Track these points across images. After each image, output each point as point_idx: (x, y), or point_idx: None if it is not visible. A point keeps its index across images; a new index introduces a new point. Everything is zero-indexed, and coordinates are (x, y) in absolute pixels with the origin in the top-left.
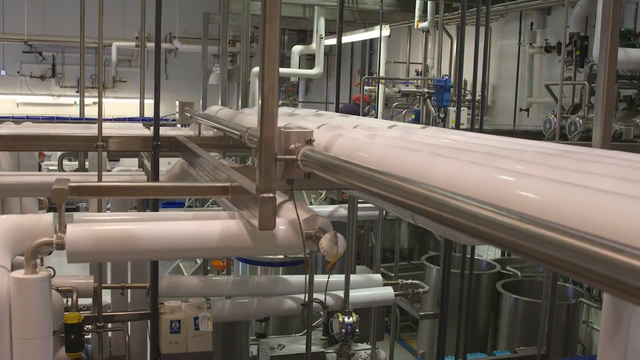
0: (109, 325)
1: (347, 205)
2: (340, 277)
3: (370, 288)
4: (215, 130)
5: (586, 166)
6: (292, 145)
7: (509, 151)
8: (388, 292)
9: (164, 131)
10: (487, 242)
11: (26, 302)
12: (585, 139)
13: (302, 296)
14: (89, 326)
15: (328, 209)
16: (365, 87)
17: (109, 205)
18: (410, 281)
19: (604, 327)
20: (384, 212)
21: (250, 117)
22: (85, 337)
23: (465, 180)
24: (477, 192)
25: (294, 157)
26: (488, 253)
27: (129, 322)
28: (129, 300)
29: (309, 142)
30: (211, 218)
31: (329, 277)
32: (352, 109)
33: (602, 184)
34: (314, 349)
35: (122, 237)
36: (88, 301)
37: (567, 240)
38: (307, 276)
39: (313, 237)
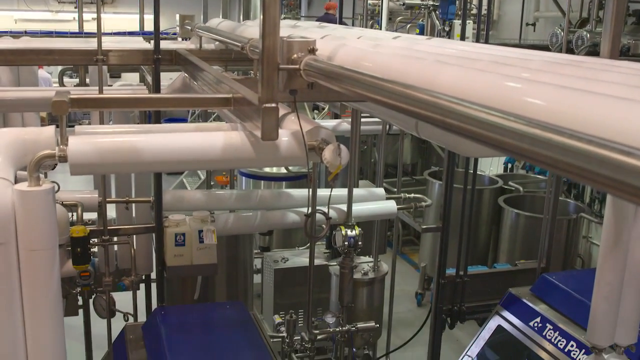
0: (115, 238)
1: (350, 119)
2: (343, 191)
3: (373, 202)
4: (216, 43)
5: (595, 74)
6: (295, 55)
7: (516, 60)
8: (391, 205)
9: (164, 44)
10: (493, 147)
11: (31, 214)
12: (592, 54)
13: (305, 209)
14: (95, 240)
15: (331, 123)
16: (369, 1)
17: (111, 122)
18: (412, 195)
19: (604, 240)
20: (387, 126)
21: (251, 29)
22: (92, 250)
23: (471, 87)
24: (483, 99)
25: (297, 66)
26: (490, 169)
27: (134, 236)
28: (133, 215)
29: (312, 51)
30: (214, 130)
31: (331, 190)
32: (328, 19)
33: (611, 90)
34: (317, 262)
35: (125, 149)
36: (93, 216)
37: (574, 143)
38: (310, 189)
39: (316, 149)
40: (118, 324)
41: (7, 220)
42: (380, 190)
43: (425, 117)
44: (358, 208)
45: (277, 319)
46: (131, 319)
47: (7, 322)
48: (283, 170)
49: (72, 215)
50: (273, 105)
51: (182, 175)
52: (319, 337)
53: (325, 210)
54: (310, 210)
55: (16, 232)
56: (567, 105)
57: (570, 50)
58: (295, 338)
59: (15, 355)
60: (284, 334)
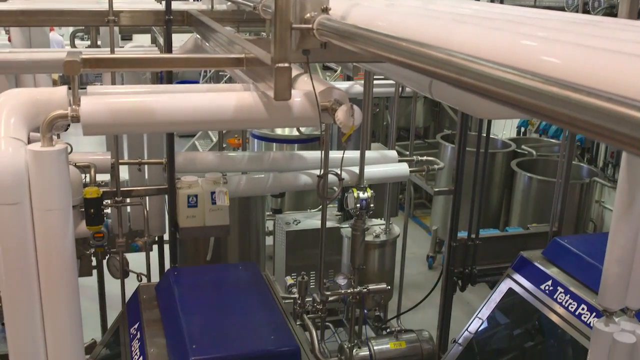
0: (127, 200)
1: (362, 81)
2: (356, 153)
3: (386, 164)
4: (228, 3)
5: (613, 33)
6: (308, 14)
7: (533, 19)
8: (403, 168)
9: (176, 5)
10: (509, 106)
11: (44, 174)
12: (609, 16)
13: (317, 172)
14: (108, 201)
15: (343, 85)
16: None
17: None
18: (425, 158)
19: (617, 203)
20: (400, 88)
21: None
22: (105, 211)
23: (486, 45)
24: (498, 57)
25: (310, 26)
26: (503, 132)
27: (147, 197)
28: (146, 177)
29: (325, 10)
30: (226, 90)
31: (344, 151)
32: None
33: (630, 49)
34: (328, 224)
35: (137, 109)
36: (106, 177)
37: (592, 101)
38: (322, 151)
39: (329, 109)
40: (131, 285)
41: (20, 180)
42: (393, 153)
43: (441, 76)
44: (370, 170)
45: (289, 280)
46: (144, 280)
47: (23, 283)
48: (295, 132)
49: (85, 176)
50: (286, 65)
51: (194, 138)
52: (330, 298)
53: (338, 171)
54: (322, 172)
55: (30, 192)
56: (585, 62)
57: (586, 12)
58: (306, 299)
59: (32, 314)
60: (296, 295)
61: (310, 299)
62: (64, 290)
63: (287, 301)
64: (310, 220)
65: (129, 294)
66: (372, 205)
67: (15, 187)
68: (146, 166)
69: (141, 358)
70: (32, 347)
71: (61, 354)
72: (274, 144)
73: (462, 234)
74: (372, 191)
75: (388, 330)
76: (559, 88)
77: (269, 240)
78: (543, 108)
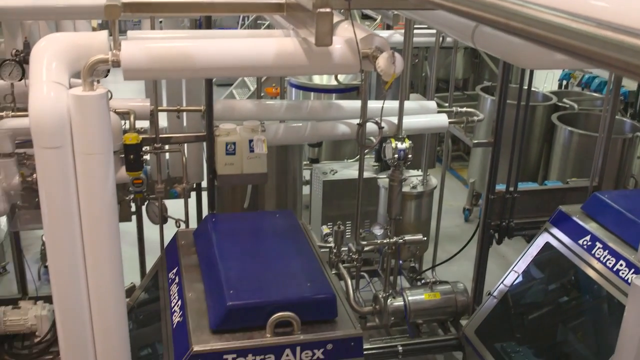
0: (166, 147)
1: (402, 30)
2: (394, 103)
3: (424, 115)
4: None
5: None
6: None
7: None
8: (442, 119)
9: None
10: (560, 51)
11: (86, 118)
12: None
13: (355, 121)
14: (147, 147)
15: (383, 34)
16: None
17: None
18: (465, 109)
19: None
20: (441, 38)
21: None
22: (144, 158)
23: None
24: (548, 1)
25: None
26: (545, 85)
27: (185, 145)
28: (184, 124)
29: None
30: (266, 36)
31: (384, 100)
32: None
33: None
34: (365, 174)
35: (177, 54)
36: (145, 124)
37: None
38: (361, 100)
39: (370, 57)
40: (169, 231)
41: (62, 124)
42: (432, 104)
43: (488, 21)
44: (409, 121)
45: (325, 229)
46: (183, 226)
47: (65, 226)
48: (333, 82)
49: (125, 123)
50: (327, 10)
51: (232, 87)
52: (366, 248)
53: (378, 120)
54: (362, 120)
55: (72, 136)
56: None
57: None
58: (342, 249)
59: (74, 257)
60: (332, 245)
61: (346, 248)
62: (105, 233)
63: (322, 250)
64: (347, 170)
65: (167, 239)
66: (410, 156)
67: (58, 131)
68: (185, 113)
69: (179, 302)
70: (75, 289)
71: (103, 295)
72: (312, 93)
73: (500, 187)
74: (410, 142)
75: (423, 281)
76: (613, 32)
77: (305, 190)
78: (597, 53)
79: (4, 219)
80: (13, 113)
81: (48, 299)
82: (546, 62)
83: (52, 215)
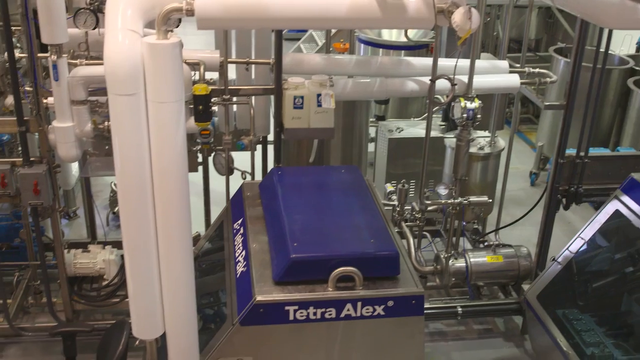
0: (234, 99)
1: None
2: (465, 62)
3: (496, 75)
4: None
5: None
6: None
7: None
8: (514, 79)
9: None
10: None
11: (159, 66)
12: None
13: (425, 79)
14: (216, 99)
15: None
16: None
17: None
18: (537, 70)
19: None
20: None
21: None
22: (212, 109)
23: None
24: None
25: None
26: (621, 48)
27: (253, 97)
28: (252, 77)
29: None
30: None
31: (458, 56)
32: None
33: None
34: (432, 133)
35: (251, 4)
36: (214, 75)
37: None
38: (433, 57)
39: (445, 11)
40: (234, 182)
41: (136, 72)
42: (504, 63)
43: None
44: (479, 80)
45: (389, 187)
46: (248, 178)
47: (136, 172)
48: (402, 38)
49: (195, 73)
50: None
51: (300, 41)
52: (429, 208)
53: (451, 77)
54: (434, 76)
55: (145, 84)
56: None
57: None
58: (405, 207)
59: (144, 202)
60: (395, 203)
61: (409, 207)
62: (174, 180)
63: (386, 208)
64: (413, 129)
65: (232, 191)
66: (478, 116)
67: (131, 78)
68: (253, 66)
69: (244, 252)
70: (144, 234)
71: (171, 242)
72: (380, 49)
73: (571, 151)
74: (479, 102)
75: (485, 244)
76: None
77: (370, 147)
78: None
79: (75, 165)
80: (87, 61)
81: (116, 244)
82: (629, 22)
83: (124, 162)
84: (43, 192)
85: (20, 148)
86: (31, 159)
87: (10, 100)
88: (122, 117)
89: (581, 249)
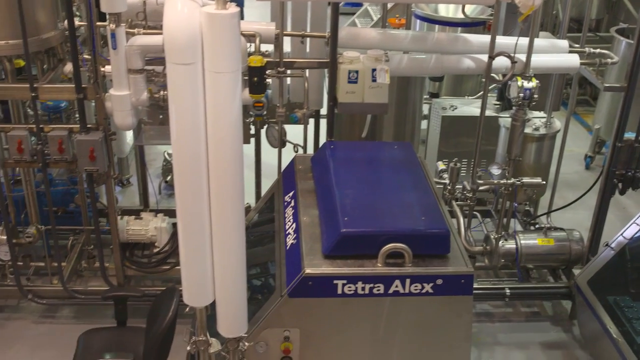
0: (289, 71)
1: None
2: (523, 40)
3: (554, 54)
4: None
5: None
6: None
7: None
8: (573, 59)
9: None
10: None
11: (217, 36)
12: None
13: (481, 56)
14: (271, 71)
15: None
16: None
17: None
18: (598, 50)
19: None
20: None
21: None
22: (267, 81)
23: None
24: None
25: None
26: None
27: (307, 70)
28: (307, 50)
29: None
30: None
31: (520, 33)
32: None
33: None
34: (486, 112)
35: None
36: (269, 48)
37: None
38: (491, 33)
39: None
40: (286, 155)
41: (195, 41)
42: (564, 42)
43: None
44: (538, 59)
45: (441, 165)
46: (300, 151)
47: (191, 142)
48: (459, 15)
49: (250, 45)
50: None
51: (355, 16)
52: (481, 187)
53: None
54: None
55: (202, 54)
56: None
57: None
58: (457, 186)
59: (198, 171)
60: (446, 181)
61: (461, 186)
62: (229, 150)
63: (437, 187)
64: (467, 107)
65: (284, 163)
66: (535, 96)
67: (190, 47)
68: (308, 39)
69: (294, 225)
70: (198, 202)
71: (224, 211)
72: (437, 25)
73: (629, 135)
74: (537, 81)
75: (536, 226)
76: None
77: (422, 125)
78: None
79: (130, 133)
80: (144, 30)
81: (168, 213)
82: None
83: (180, 130)
84: (99, 159)
85: (77, 115)
86: (88, 126)
87: (69, 67)
88: (179, 86)
89: (636, 235)
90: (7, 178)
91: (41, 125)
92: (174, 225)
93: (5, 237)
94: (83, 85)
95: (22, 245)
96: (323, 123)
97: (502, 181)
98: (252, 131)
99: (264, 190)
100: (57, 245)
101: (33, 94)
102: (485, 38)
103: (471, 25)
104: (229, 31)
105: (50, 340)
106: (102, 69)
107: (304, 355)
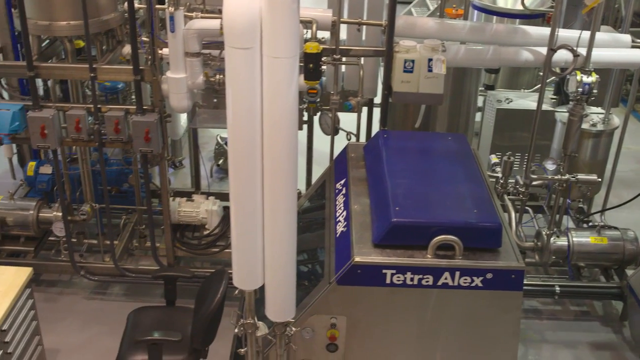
0: (344, 59)
1: None
2: (584, 34)
3: (616, 49)
4: None
5: None
6: None
7: None
8: (636, 54)
9: None
10: None
11: (276, 21)
12: None
13: (540, 49)
14: (326, 58)
15: None
16: None
17: None
18: None
19: None
20: None
21: None
22: (322, 68)
23: None
24: None
25: None
26: None
27: (362, 58)
28: (363, 38)
29: None
30: None
31: (581, 29)
32: None
33: None
34: (542, 107)
35: None
36: (324, 35)
37: None
38: (551, 25)
39: None
40: (338, 143)
41: (254, 25)
42: (626, 37)
43: None
44: (599, 53)
45: (494, 158)
46: (353, 139)
47: (247, 126)
48: (518, 6)
49: (306, 31)
50: None
51: (411, 5)
52: (534, 182)
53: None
54: (552, 45)
55: (261, 38)
56: None
57: None
58: (509, 180)
59: (253, 155)
60: (499, 175)
61: (513, 180)
62: (284, 135)
63: (489, 180)
64: (523, 101)
65: (336, 151)
66: (594, 91)
67: (249, 32)
68: (364, 27)
69: (345, 213)
70: (251, 185)
71: (277, 196)
72: (495, 17)
73: None
74: (597, 76)
75: (590, 224)
76: None
77: (476, 117)
78: None
79: (183, 116)
80: (202, 14)
81: (219, 196)
82: None
83: (236, 114)
84: (153, 140)
85: (133, 96)
86: (144, 107)
87: (127, 49)
88: (237, 70)
89: None
90: (65, 156)
91: (98, 106)
92: (225, 208)
93: (60, 214)
94: (140, 67)
95: (76, 223)
96: (376, 112)
97: (556, 177)
98: (305, 118)
99: (315, 177)
100: (110, 223)
101: (92, 75)
102: (545, 30)
103: (530, 17)
104: (289, 16)
105: (101, 316)
106: (160, 52)
107: (350, 342)
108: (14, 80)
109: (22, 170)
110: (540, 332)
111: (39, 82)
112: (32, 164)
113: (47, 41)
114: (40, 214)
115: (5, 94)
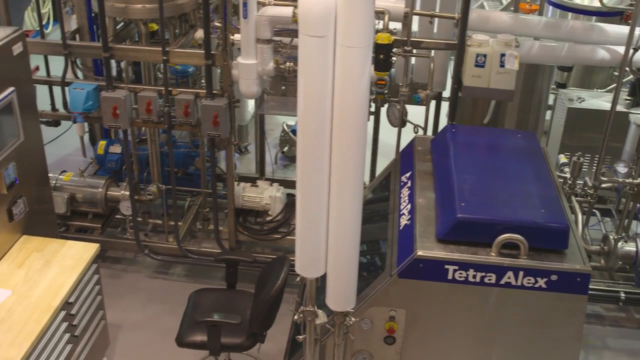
0: (414, 51)
1: None
2: None
3: None
4: None
5: None
6: None
7: None
8: None
9: None
10: None
11: (352, 10)
12: None
13: (618, 48)
14: (397, 49)
15: None
16: None
17: None
18: None
19: None
20: None
21: None
22: (392, 59)
23: None
24: None
25: None
26: None
27: (433, 51)
28: (434, 30)
29: None
30: None
31: None
32: None
33: None
34: (617, 108)
35: None
36: (396, 26)
37: None
38: (631, 23)
39: None
40: (404, 136)
41: (329, 14)
42: None
43: None
44: None
45: (562, 158)
46: (421, 132)
47: (317, 115)
48: (595, 3)
49: (378, 22)
50: None
51: None
52: (604, 185)
53: None
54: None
55: (335, 27)
56: None
57: None
58: (577, 181)
59: (321, 142)
60: (567, 175)
61: (582, 182)
62: (354, 124)
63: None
64: (595, 100)
65: (402, 144)
66: None
67: (324, 21)
68: (437, 19)
69: (409, 206)
70: (319, 174)
71: (343, 186)
72: (570, 13)
73: None
74: None
75: None
76: None
77: (546, 115)
78: None
79: (251, 102)
80: (275, 1)
81: (283, 183)
82: None
83: (307, 101)
84: (222, 124)
85: (203, 80)
86: (213, 91)
87: (199, 34)
88: (310, 58)
89: None
90: (134, 137)
91: (169, 88)
92: (288, 195)
93: (128, 193)
94: (212, 52)
95: (142, 202)
96: (444, 106)
97: (627, 180)
98: (372, 109)
99: (379, 169)
100: (176, 205)
101: (164, 58)
102: (623, 29)
103: (607, 14)
104: (364, 6)
105: (162, 295)
106: (232, 37)
107: (408, 336)
108: (88, 60)
109: (93, 149)
110: (602, 338)
111: (113, 64)
112: (102, 143)
113: (122, 24)
114: (109, 192)
115: (80, 74)
